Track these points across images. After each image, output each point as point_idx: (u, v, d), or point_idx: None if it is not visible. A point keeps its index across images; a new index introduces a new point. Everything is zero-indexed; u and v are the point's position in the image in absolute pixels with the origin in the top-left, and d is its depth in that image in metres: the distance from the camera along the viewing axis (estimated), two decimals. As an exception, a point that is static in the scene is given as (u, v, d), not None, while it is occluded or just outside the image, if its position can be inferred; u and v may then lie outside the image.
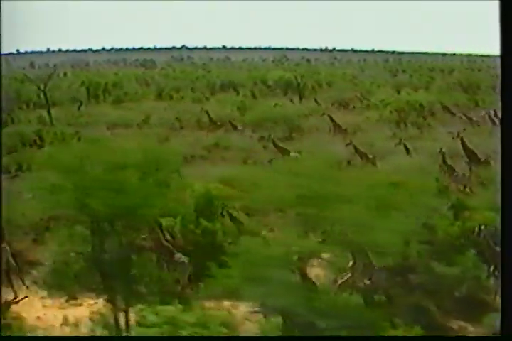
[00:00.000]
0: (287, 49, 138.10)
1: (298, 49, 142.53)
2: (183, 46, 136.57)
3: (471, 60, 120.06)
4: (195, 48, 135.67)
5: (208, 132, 39.31)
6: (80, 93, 60.13)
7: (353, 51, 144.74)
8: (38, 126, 39.67)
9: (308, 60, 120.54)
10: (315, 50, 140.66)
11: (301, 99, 51.48)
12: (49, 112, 39.68)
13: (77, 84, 65.47)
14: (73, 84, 66.30)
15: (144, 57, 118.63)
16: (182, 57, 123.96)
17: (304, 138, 36.63)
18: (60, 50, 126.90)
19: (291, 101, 51.93)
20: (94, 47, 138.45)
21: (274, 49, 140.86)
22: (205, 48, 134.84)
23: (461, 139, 30.06)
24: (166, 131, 38.25)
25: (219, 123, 41.28)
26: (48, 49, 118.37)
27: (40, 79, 76.00)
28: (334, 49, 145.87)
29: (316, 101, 49.88)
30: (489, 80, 66.61)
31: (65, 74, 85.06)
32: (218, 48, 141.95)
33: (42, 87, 45.29)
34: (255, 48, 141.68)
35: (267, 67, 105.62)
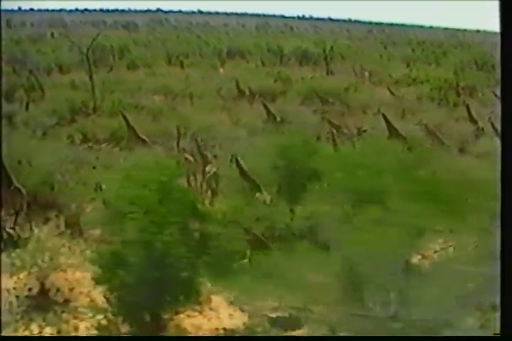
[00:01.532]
0: (265, 15, 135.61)
1: (276, 16, 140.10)
2: (158, 9, 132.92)
3: (453, 34, 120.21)
4: (171, 12, 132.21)
5: (252, 104, 37.88)
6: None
7: (331, 20, 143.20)
8: (77, 92, 37.89)
9: (291, 28, 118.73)
10: (293, 17, 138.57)
11: (327, 72, 50.22)
12: (91, 78, 37.53)
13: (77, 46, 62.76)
14: (74, 46, 63.47)
15: (123, 19, 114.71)
16: (161, 21, 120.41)
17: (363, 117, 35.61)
18: (32, 10, 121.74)
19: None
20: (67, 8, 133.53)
21: (252, 15, 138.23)
22: (180, 12, 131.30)
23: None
24: (214, 101, 36.96)
25: (257, 95, 39.88)
26: (20, 8, 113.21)
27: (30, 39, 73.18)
28: (312, 17, 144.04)
29: (354, 73, 48.91)
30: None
31: (52, 35, 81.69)
32: (194, 12, 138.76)
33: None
34: (232, 14, 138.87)
35: (254, 34, 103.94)
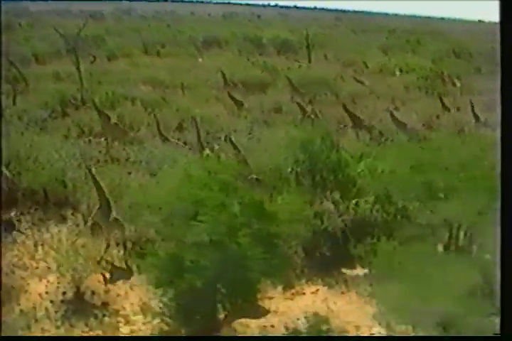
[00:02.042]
0: (231, 3, 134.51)
1: (242, 4, 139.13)
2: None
3: (420, 22, 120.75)
4: (136, 0, 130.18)
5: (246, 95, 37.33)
6: (59, 46, 56.44)
7: (296, 8, 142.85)
8: (64, 83, 36.90)
9: (258, 16, 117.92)
10: (260, 5, 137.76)
11: (309, 61, 49.79)
12: (78, 69, 36.49)
13: (51, 35, 61.23)
14: (48, 35, 62.00)
15: (88, 9, 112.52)
16: (127, 10, 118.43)
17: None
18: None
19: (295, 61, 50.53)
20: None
21: (218, 3, 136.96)
22: (145, 0, 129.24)
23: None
24: (207, 91, 36.28)
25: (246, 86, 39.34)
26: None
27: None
28: (277, 5, 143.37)
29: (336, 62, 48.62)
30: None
31: (20, 24, 79.74)
32: (159, 0, 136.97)
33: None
34: (198, 2, 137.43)
35: (222, 22, 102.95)
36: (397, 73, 46.55)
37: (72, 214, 19.41)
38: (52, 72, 40.15)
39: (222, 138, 25.47)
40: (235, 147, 22.04)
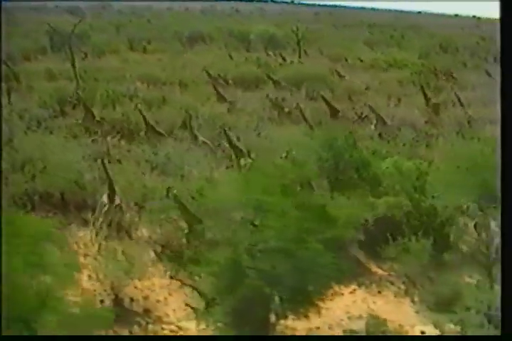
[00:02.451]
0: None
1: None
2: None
3: (398, 17, 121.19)
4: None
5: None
6: (44, 42, 55.65)
7: (274, 2, 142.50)
8: (60, 81, 36.22)
9: (237, 11, 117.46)
10: (238, 0, 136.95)
11: (300, 56, 49.53)
12: (74, 66, 35.85)
13: (32, 32, 60.40)
14: (30, 32, 61.15)
15: (65, 4, 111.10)
16: (104, 5, 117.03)
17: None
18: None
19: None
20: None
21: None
22: None
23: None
24: (205, 88, 35.83)
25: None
26: None
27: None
28: (267, 0, 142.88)
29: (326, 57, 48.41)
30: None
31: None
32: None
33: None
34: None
35: (205, 17, 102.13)
36: (390, 69, 46.40)
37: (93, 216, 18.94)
38: (45, 69, 39.23)
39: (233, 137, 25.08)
40: (247, 147, 21.83)
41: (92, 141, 24.95)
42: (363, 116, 31.76)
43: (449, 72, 46.56)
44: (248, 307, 11.71)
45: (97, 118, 26.51)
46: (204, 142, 23.69)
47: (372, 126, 30.08)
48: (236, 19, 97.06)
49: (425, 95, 35.47)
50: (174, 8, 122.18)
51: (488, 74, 44.84)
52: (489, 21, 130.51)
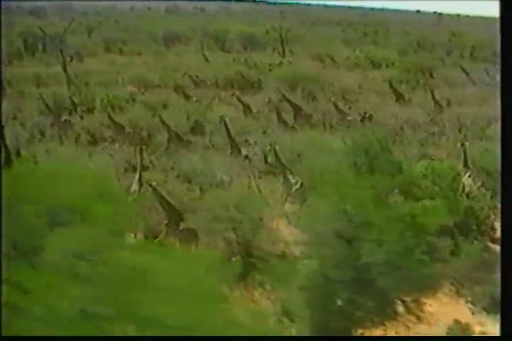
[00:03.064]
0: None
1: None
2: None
3: (363, 14, 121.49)
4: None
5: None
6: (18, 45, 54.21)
7: (237, 0, 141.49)
8: (51, 87, 35.11)
9: (202, 10, 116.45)
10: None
11: (283, 56, 49.07)
12: (65, 70, 34.78)
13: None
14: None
15: (27, 5, 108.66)
16: (66, 7, 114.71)
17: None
18: None
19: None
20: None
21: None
22: None
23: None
24: (201, 91, 35.12)
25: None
26: None
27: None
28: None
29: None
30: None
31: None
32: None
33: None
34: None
35: (171, 16, 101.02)
36: (377, 67, 46.28)
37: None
38: (33, 73, 37.96)
39: (253, 142, 24.58)
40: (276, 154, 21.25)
41: (106, 148, 24.12)
42: (367, 115, 31.46)
43: (431, 70, 46.76)
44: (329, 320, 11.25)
45: (110, 125, 25.47)
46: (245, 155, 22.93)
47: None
48: (203, 18, 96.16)
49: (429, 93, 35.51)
50: (137, 7, 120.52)
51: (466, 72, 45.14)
52: (450, 17, 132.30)
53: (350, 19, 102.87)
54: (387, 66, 45.15)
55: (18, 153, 22.60)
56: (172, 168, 21.23)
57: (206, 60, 46.68)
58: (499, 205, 17.77)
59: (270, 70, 41.14)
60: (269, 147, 23.93)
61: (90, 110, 30.20)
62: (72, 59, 43.78)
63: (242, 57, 45.48)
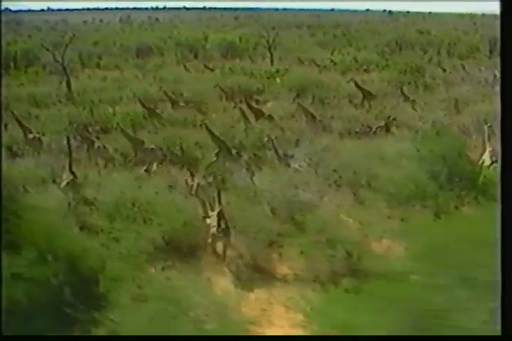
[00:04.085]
0: (127, 9, 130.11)
1: (127, 8, 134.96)
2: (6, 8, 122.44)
3: (317, 15, 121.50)
4: (20, 11, 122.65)
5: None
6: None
7: (186, 9, 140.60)
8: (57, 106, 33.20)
9: (157, 20, 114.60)
10: (154, 9, 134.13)
11: (271, 62, 48.09)
12: (69, 87, 32.97)
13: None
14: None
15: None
16: (14, 20, 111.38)
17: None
18: None
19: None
20: None
21: (114, 9, 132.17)
22: (30, 11, 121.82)
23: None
24: (213, 105, 33.74)
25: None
26: None
27: None
28: (165, 7, 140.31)
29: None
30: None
31: None
32: (44, 10, 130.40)
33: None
34: (91, 9, 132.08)
35: (121, 28, 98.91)
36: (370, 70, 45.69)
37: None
38: (28, 93, 35.92)
39: (301, 156, 23.50)
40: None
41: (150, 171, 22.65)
42: (391, 119, 30.69)
43: (424, 69, 46.42)
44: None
45: (146, 146, 24.02)
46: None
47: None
48: (165, 28, 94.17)
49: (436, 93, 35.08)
50: (89, 20, 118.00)
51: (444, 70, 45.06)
52: (401, 14, 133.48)
53: (308, 22, 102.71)
54: (382, 68, 44.48)
55: (54, 181, 21.11)
56: (235, 186, 19.96)
57: (203, 71, 45.28)
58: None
59: (268, 78, 39.94)
60: (316, 159, 23.09)
61: (107, 130, 28.58)
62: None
63: (238, 67, 44.16)
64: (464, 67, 46.07)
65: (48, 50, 42.84)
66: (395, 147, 22.86)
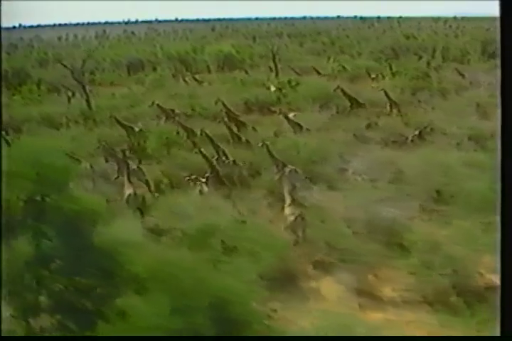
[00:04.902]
0: (104, 23, 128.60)
1: (99, 23, 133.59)
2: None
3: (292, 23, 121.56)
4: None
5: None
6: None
7: (158, 22, 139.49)
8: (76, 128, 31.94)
9: (133, 33, 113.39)
10: (127, 22, 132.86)
11: (277, 73, 47.25)
12: (88, 101, 31.75)
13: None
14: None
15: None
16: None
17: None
18: None
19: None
20: None
21: (88, 24, 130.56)
22: (14, 28, 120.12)
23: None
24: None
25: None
26: None
27: None
28: (137, 21, 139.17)
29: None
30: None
31: None
32: (16, 28, 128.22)
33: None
34: (64, 25, 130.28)
35: (96, 43, 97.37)
36: (380, 77, 45.14)
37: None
38: (40, 114, 34.56)
39: (358, 169, 22.73)
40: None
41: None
42: (428, 128, 30.04)
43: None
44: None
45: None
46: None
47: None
48: (142, 41, 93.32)
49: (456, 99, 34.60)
50: (63, 36, 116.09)
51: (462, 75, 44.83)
52: (374, 20, 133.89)
53: (286, 30, 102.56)
54: (393, 75, 43.92)
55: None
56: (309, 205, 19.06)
57: (200, 84, 44.46)
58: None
59: (280, 89, 39.10)
60: (376, 172, 22.35)
61: (141, 149, 27.41)
62: (73, 94, 40.38)
63: (251, 79, 43.16)
64: (458, 72, 45.67)
65: (65, 66, 41.31)
66: (455, 155, 22.17)
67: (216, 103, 32.19)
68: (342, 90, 34.80)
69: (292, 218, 17.48)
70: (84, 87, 34.34)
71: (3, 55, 74.47)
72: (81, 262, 12.21)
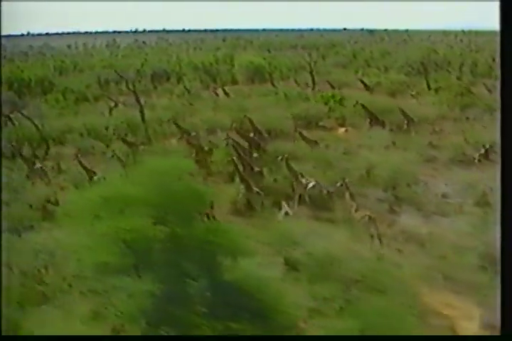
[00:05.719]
0: (116, 32, 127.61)
1: (107, 32, 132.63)
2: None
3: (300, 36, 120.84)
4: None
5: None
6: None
7: (166, 32, 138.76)
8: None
9: (144, 42, 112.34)
10: (140, 32, 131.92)
11: (314, 85, 46.11)
12: (143, 119, 30.46)
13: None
14: None
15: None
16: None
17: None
18: None
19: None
20: None
21: (100, 33, 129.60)
22: (22, 35, 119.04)
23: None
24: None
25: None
26: None
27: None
28: (144, 30, 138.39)
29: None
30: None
31: None
32: (23, 35, 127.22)
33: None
34: (74, 33, 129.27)
35: (107, 52, 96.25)
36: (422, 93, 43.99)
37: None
38: (66, 126, 33.02)
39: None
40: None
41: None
42: (487, 147, 28.94)
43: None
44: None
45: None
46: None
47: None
48: (162, 51, 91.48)
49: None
50: (72, 44, 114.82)
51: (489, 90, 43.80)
52: (383, 33, 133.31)
53: (298, 42, 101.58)
54: (436, 90, 42.83)
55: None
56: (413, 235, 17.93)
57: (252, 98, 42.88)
58: None
59: (326, 103, 37.95)
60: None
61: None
62: (116, 104, 38.93)
63: (292, 91, 41.83)
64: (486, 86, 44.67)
65: (121, 77, 39.88)
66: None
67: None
68: (362, 105, 33.68)
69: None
70: (138, 99, 32.75)
71: (18, 62, 73.54)
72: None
